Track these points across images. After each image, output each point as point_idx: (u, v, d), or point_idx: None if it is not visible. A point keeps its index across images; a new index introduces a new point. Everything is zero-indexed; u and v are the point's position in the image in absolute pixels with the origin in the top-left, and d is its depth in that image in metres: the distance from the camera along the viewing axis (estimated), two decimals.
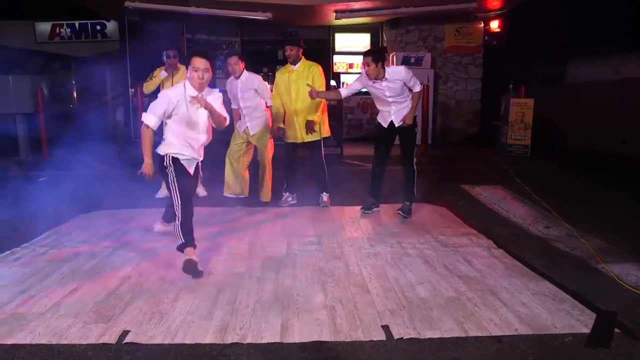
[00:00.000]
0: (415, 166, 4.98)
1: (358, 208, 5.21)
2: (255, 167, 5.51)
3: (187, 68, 3.49)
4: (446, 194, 5.80)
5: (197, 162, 3.68)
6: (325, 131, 5.34)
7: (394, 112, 4.82)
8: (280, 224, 4.77)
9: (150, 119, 3.38)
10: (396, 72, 4.66)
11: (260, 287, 3.22)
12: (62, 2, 9.77)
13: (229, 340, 2.51)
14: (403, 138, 4.95)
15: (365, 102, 10.67)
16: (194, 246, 3.48)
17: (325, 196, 5.42)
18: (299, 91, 5.11)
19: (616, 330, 2.56)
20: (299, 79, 5.09)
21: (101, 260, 3.74)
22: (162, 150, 3.50)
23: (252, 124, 5.23)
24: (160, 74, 5.44)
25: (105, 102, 11.48)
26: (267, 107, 5.27)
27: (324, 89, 5.21)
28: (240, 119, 5.32)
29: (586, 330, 2.59)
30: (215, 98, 3.55)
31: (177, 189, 3.45)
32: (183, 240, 3.44)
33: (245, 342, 2.50)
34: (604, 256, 3.71)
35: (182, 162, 3.50)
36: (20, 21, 11.36)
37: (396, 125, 4.84)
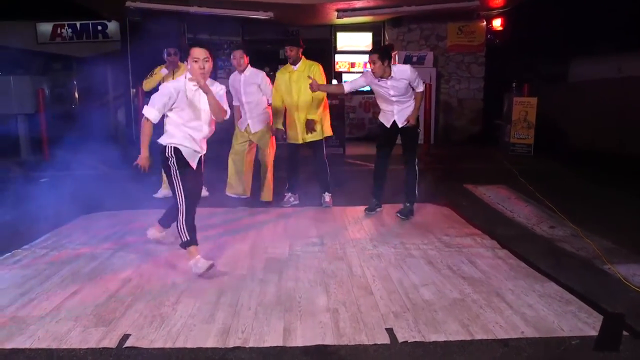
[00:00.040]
0: (417, 166, 4.93)
1: (361, 208, 5.17)
2: (256, 167, 5.48)
3: (187, 63, 3.45)
4: (449, 194, 5.76)
5: (201, 157, 3.63)
6: (328, 130, 5.30)
7: (396, 112, 4.77)
8: (282, 225, 4.73)
9: (150, 112, 3.35)
10: (402, 70, 4.61)
11: (263, 289, 3.18)
12: (63, 2, 9.76)
13: (230, 344, 2.48)
14: (405, 138, 4.91)
15: (367, 101, 10.65)
16: (197, 244, 3.45)
17: (327, 196, 5.39)
18: (300, 91, 5.07)
19: (624, 332, 2.52)
20: (300, 79, 5.05)
21: (102, 262, 3.71)
22: (163, 140, 3.46)
23: (253, 121, 5.20)
24: (161, 71, 5.44)
25: (107, 102, 11.48)
26: (268, 105, 5.24)
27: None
28: (241, 117, 5.29)
29: (593, 333, 2.55)
30: (217, 89, 3.50)
31: (179, 182, 3.40)
32: (188, 238, 3.40)
33: (247, 346, 2.46)
34: (610, 257, 3.68)
35: (183, 154, 3.46)
36: (21, 22, 11.37)
37: (400, 126, 4.79)
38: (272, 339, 2.53)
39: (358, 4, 9.02)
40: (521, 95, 8.68)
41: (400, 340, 2.51)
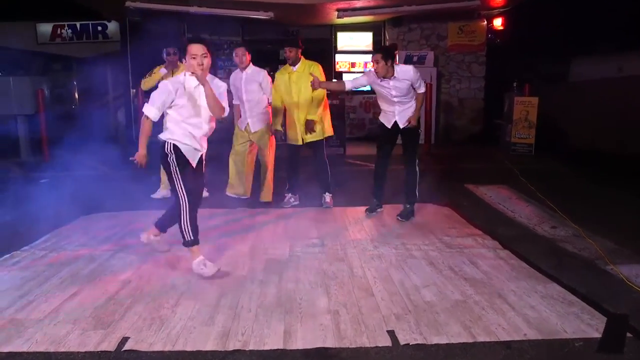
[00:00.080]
0: (418, 167, 4.90)
1: (361, 209, 5.14)
2: (257, 167, 5.46)
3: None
4: (450, 194, 5.73)
5: (202, 156, 3.61)
6: (329, 130, 5.28)
7: (397, 112, 4.75)
8: (282, 226, 4.71)
9: (150, 110, 3.33)
10: (405, 71, 4.57)
11: (263, 291, 3.16)
12: (63, 2, 9.76)
13: (230, 347, 2.45)
14: (406, 138, 4.88)
15: (367, 101, 10.63)
16: (199, 243, 3.44)
17: (328, 197, 5.36)
18: (299, 92, 5.05)
19: (627, 334, 2.50)
20: (300, 80, 5.03)
21: (101, 263, 3.69)
22: (163, 135, 3.44)
23: (253, 120, 5.18)
24: (160, 71, 5.42)
25: (107, 102, 11.47)
26: (269, 104, 5.22)
27: (325, 90, 5.14)
28: (241, 116, 5.27)
29: (597, 335, 2.53)
30: (217, 85, 3.47)
31: (180, 179, 3.37)
32: (192, 237, 3.38)
33: (247, 349, 2.44)
34: (612, 257, 3.65)
35: (183, 151, 3.43)
36: (21, 22, 11.36)
37: (401, 127, 4.76)
38: (273, 342, 2.50)
39: (358, 4, 9.01)
40: (522, 94, 8.66)
41: (402, 342, 2.49)
